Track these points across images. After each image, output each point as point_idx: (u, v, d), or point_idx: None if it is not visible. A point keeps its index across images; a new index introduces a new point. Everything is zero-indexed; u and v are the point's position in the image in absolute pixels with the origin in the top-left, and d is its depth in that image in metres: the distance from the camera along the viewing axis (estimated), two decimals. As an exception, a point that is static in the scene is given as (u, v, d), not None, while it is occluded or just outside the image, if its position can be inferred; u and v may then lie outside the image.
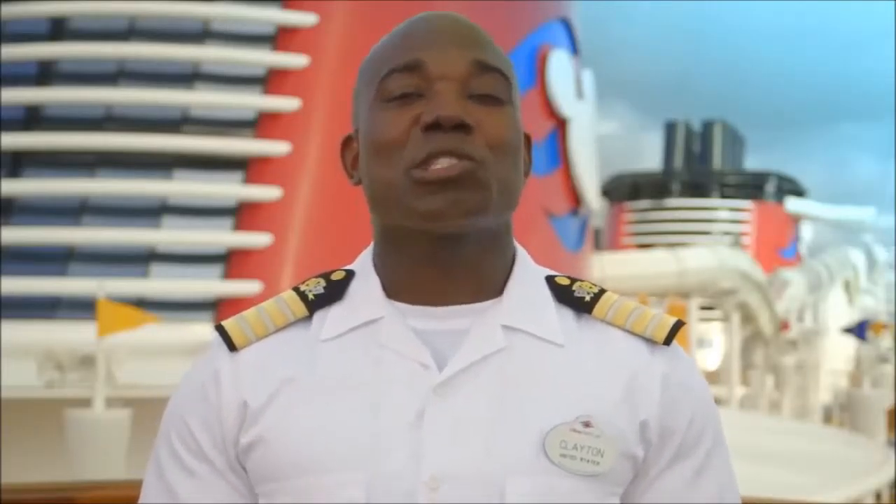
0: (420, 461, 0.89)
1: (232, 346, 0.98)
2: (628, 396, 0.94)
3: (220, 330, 0.99)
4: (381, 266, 0.98)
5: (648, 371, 0.95)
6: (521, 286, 0.97)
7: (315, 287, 1.00)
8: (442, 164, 0.89)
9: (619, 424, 0.92)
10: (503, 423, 0.90)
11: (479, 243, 0.94)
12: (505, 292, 0.96)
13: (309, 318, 0.98)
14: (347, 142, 1.02)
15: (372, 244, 1.01)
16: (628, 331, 0.97)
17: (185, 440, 0.97)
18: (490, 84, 0.93)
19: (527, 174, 0.99)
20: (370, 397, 0.92)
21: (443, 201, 0.89)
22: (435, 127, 0.89)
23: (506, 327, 0.94)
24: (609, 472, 0.91)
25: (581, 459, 0.90)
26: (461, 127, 0.90)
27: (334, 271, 1.01)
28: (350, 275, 1.00)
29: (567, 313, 0.98)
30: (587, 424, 0.91)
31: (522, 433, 0.90)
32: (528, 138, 0.99)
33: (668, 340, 0.97)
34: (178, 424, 0.98)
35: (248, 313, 1.00)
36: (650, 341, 0.97)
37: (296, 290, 1.00)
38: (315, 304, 0.98)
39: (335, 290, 0.99)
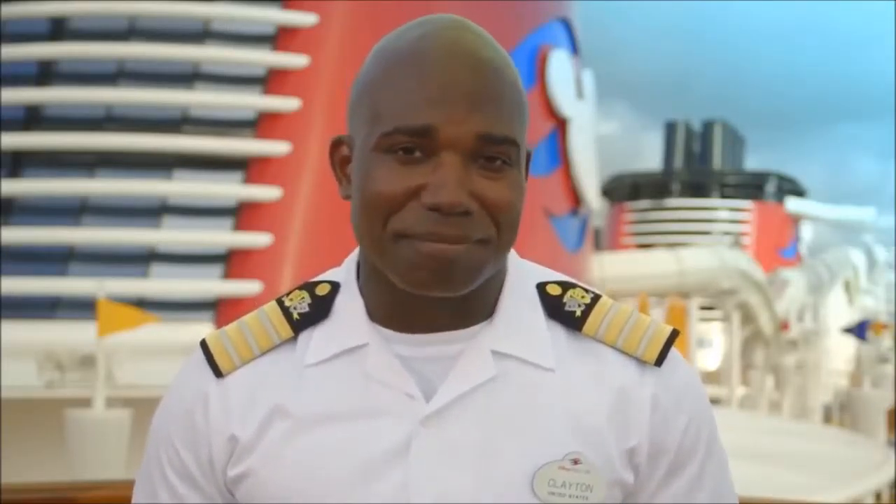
0: (407, 496, 0.88)
1: (218, 372, 0.96)
2: (617, 423, 0.92)
3: (205, 351, 0.97)
4: (364, 286, 0.96)
5: (638, 394, 0.94)
6: (512, 305, 0.95)
7: (300, 303, 0.97)
8: (437, 244, 0.86)
9: (607, 453, 0.91)
10: (492, 458, 0.89)
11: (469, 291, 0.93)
12: (496, 314, 0.94)
13: (294, 338, 0.96)
14: (337, 144, 0.98)
15: (359, 251, 0.98)
16: (619, 350, 0.95)
17: (174, 465, 0.97)
18: (499, 152, 0.89)
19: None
20: (356, 430, 0.91)
21: (431, 277, 0.87)
22: (436, 209, 0.86)
23: (496, 353, 0.92)
24: None
25: (570, 496, 0.89)
26: (463, 213, 0.87)
27: (319, 283, 0.99)
28: (335, 288, 0.98)
29: (558, 330, 0.96)
30: (576, 461, 0.90)
31: (511, 469, 0.89)
32: (528, 156, 0.96)
33: (660, 359, 0.95)
34: (167, 448, 0.97)
35: (232, 331, 0.98)
36: (642, 361, 0.95)
37: (280, 304, 0.98)
38: (300, 325, 0.96)
39: (320, 308, 0.96)
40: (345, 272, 0.99)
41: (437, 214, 0.86)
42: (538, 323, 0.95)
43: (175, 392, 0.99)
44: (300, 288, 0.99)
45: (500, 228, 0.89)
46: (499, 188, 0.88)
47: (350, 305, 0.96)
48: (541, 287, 0.98)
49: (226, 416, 0.95)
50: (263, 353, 0.96)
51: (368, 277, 0.95)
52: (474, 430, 0.90)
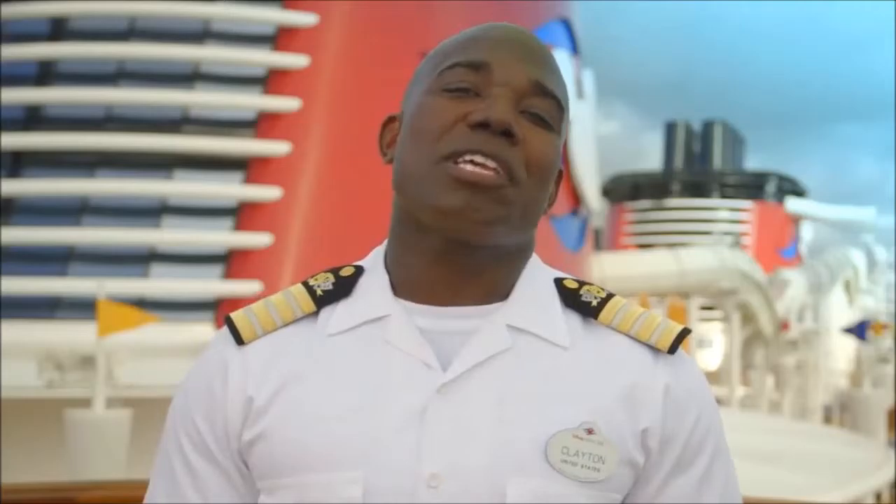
0: (420, 460, 0.89)
1: (240, 340, 0.98)
2: (630, 404, 0.94)
3: (229, 322, 0.99)
4: (391, 262, 0.99)
5: (651, 379, 0.95)
6: (529, 288, 0.97)
7: (324, 282, 1.00)
8: (475, 167, 0.89)
9: (620, 431, 0.92)
10: (506, 426, 0.90)
11: (492, 254, 0.95)
12: (512, 294, 0.97)
13: (316, 313, 0.99)
14: (389, 121, 1.02)
15: (386, 240, 1.01)
16: (633, 337, 0.97)
17: (192, 437, 0.98)
18: (545, 107, 0.93)
19: (550, 205, 0.99)
20: (373, 395, 0.92)
21: (462, 202, 0.89)
22: (482, 127, 0.90)
23: (511, 328, 0.95)
24: (609, 479, 0.91)
25: (582, 466, 0.90)
26: (507, 134, 0.90)
27: (344, 266, 1.02)
28: (359, 271, 1.01)
29: (573, 317, 0.98)
30: (590, 431, 0.91)
31: (525, 436, 0.90)
32: (560, 173, 1.00)
33: (672, 349, 0.97)
34: (185, 421, 0.98)
35: (257, 306, 1.00)
36: (654, 349, 0.97)
37: (305, 284, 1.01)
38: (322, 300, 0.99)
39: (343, 287, 0.99)
40: (371, 258, 1.02)
41: (483, 132, 0.89)
42: (554, 305, 0.98)
43: (196, 367, 1.01)
44: (325, 271, 1.02)
45: (531, 175, 0.92)
46: (540, 139, 0.93)
47: (374, 282, 0.99)
48: (558, 281, 1.01)
49: (244, 378, 0.96)
50: (285, 325, 0.99)
51: (394, 244, 0.98)
52: (489, 398, 0.91)
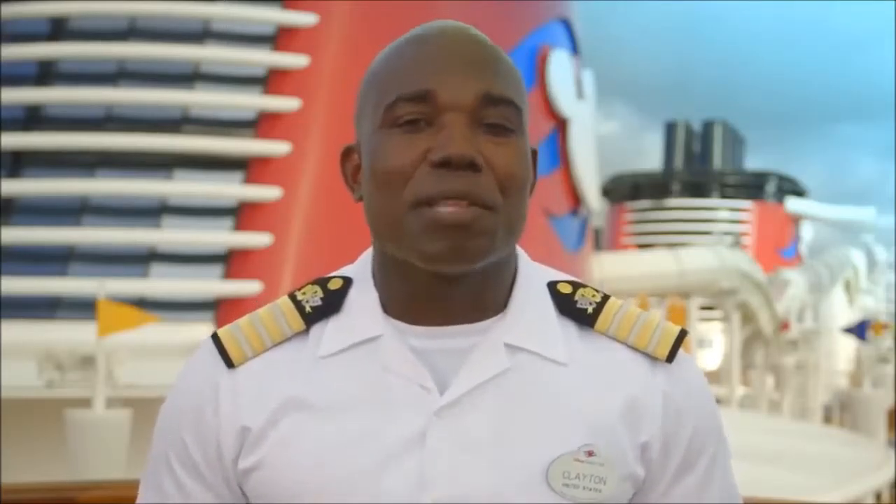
0: (422, 486, 0.89)
1: (229, 363, 0.95)
2: (630, 418, 0.93)
3: (217, 342, 0.97)
4: (379, 283, 0.96)
5: (650, 390, 0.95)
6: (524, 301, 0.96)
7: (312, 297, 0.97)
8: (451, 208, 0.87)
9: (621, 447, 0.92)
10: (506, 449, 0.90)
11: (480, 274, 0.93)
12: (508, 309, 0.95)
13: (306, 331, 0.96)
14: (347, 153, 0.99)
15: (372, 247, 0.99)
16: (631, 346, 0.96)
17: (181, 458, 0.96)
18: (500, 115, 0.91)
19: (531, 190, 0.96)
20: (370, 421, 0.91)
21: (447, 246, 0.88)
22: (445, 164, 0.87)
23: (509, 346, 0.93)
24: (610, 497, 0.92)
25: (584, 488, 0.90)
26: (471, 165, 0.88)
27: (331, 278, 0.99)
28: (348, 283, 0.98)
29: (569, 326, 0.96)
30: (590, 454, 0.91)
31: (526, 461, 0.90)
32: (533, 153, 0.97)
33: (671, 356, 0.96)
34: (175, 441, 0.97)
35: (244, 324, 0.97)
36: (653, 357, 0.96)
37: (292, 298, 0.98)
38: (312, 318, 0.96)
39: (332, 302, 0.97)
40: (358, 268, 0.99)
41: (446, 171, 0.87)
42: (550, 318, 0.96)
43: (184, 385, 0.98)
44: (313, 283, 0.99)
45: (505, 195, 0.90)
46: (504, 153, 0.90)
47: (363, 299, 0.96)
48: (551, 286, 0.98)
49: (237, 407, 0.94)
50: (275, 345, 0.96)
51: (383, 270, 0.95)
52: (488, 421, 0.90)
